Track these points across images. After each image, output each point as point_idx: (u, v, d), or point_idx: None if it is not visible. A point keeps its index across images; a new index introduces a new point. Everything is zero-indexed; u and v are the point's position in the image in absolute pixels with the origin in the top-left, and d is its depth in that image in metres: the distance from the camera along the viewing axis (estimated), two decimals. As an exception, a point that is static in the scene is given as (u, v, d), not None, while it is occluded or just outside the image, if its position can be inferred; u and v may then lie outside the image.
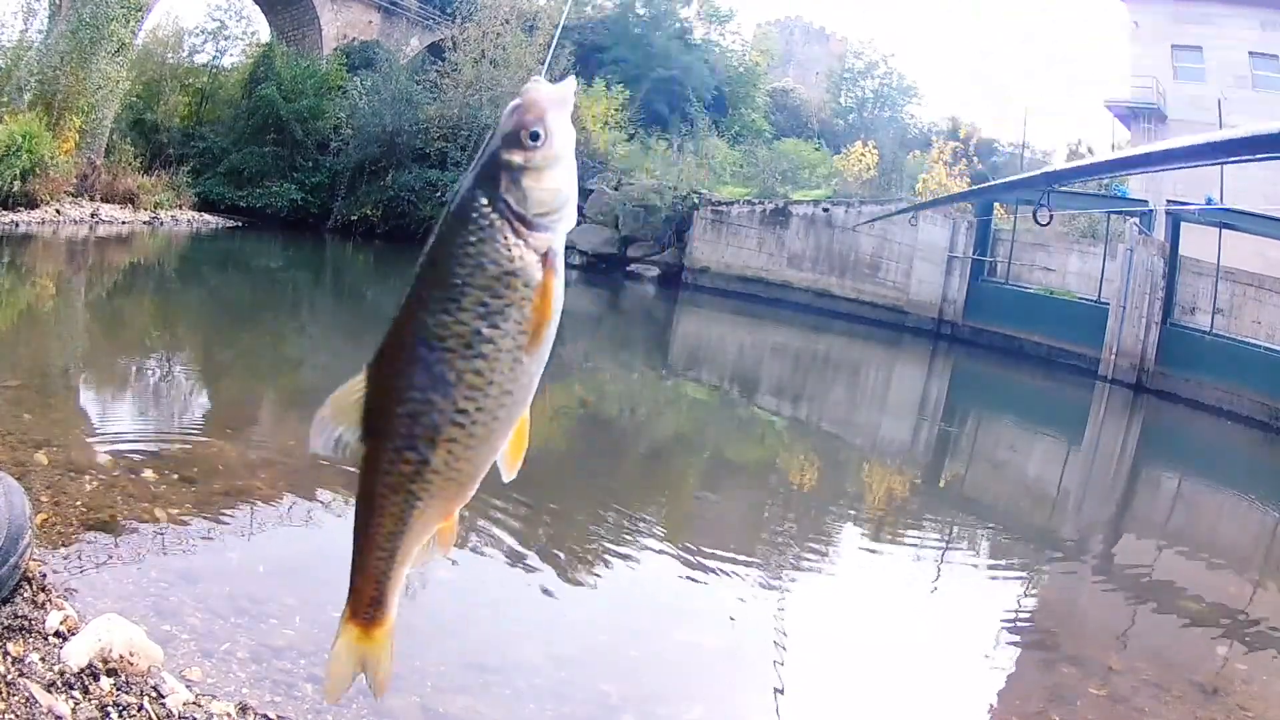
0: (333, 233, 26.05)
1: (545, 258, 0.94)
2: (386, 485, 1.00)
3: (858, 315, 23.06)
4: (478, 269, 0.92)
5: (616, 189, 26.76)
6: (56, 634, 2.89)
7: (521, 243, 0.93)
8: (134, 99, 25.72)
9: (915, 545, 6.88)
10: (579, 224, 27.10)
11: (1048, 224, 4.37)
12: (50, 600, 3.17)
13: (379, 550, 1.04)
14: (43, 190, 18.55)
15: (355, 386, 0.98)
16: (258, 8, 30.78)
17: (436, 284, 0.93)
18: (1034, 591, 6.38)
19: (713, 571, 5.40)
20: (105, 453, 5.36)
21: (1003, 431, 13.64)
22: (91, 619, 2.98)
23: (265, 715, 2.97)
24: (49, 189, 18.81)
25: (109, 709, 2.56)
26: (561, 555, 5.31)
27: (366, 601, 1.07)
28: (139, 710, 2.62)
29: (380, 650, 1.10)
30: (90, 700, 2.57)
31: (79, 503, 4.42)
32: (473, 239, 0.93)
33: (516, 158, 0.93)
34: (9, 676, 2.51)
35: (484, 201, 0.93)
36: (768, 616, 4.94)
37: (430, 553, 1.08)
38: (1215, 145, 2.99)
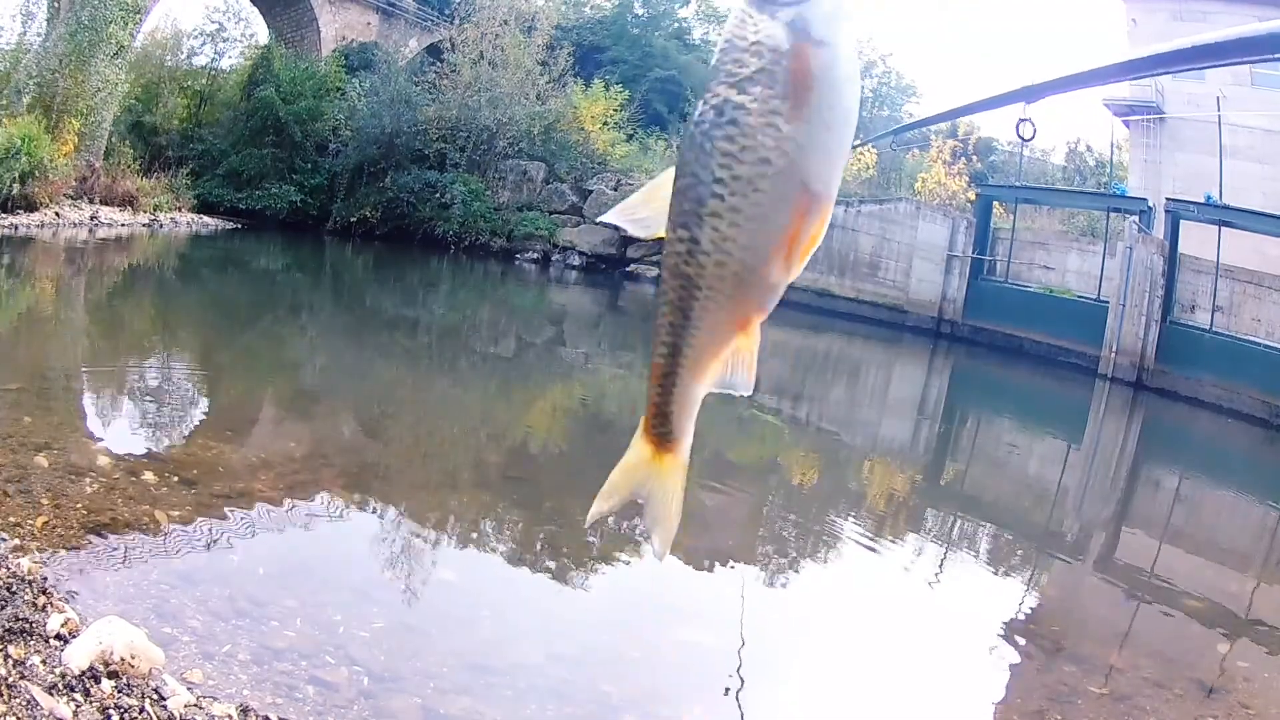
0: (332, 234, 26.04)
1: (794, 28, 0.95)
2: (667, 269, 1.00)
3: (857, 314, 23.05)
4: (727, 47, 0.97)
5: (616, 189, 26.76)
6: (58, 636, 2.89)
7: (765, 17, 0.96)
8: (133, 101, 25.69)
9: (916, 544, 6.88)
10: (578, 224, 27.21)
11: (1031, 138, 4.37)
12: (51, 603, 3.17)
13: (663, 346, 1.01)
14: (42, 193, 18.54)
15: (668, 176, 1.01)
16: (256, 10, 30.78)
17: (708, 74, 0.99)
18: (1035, 590, 6.38)
19: (713, 571, 5.41)
20: (105, 455, 5.36)
21: (1003, 430, 13.64)
22: (92, 621, 2.98)
23: (266, 717, 2.97)
24: (48, 192, 18.80)
25: (110, 711, 2.56)
26: (562, 556, 5.32)
27: (653, 411, 1.04)
28: (140, 712, 2.62)
29: (665, 482, 1.05)
30: (91, 703, 2.57)
31: (79, 505, 4.42)
32: (729, 28, 0.98)
33: None
34: (10, 679, 2.51)
35: (743, 2, 0.99)
36: (768, 616, 4.94)
37: (731, 376, 1.03)
38: (1199, 49, 2.95)
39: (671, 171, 1.01)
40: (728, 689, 3.96)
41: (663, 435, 1.04)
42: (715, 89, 0.96)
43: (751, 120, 0.94)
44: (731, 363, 1.03)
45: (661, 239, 1.01)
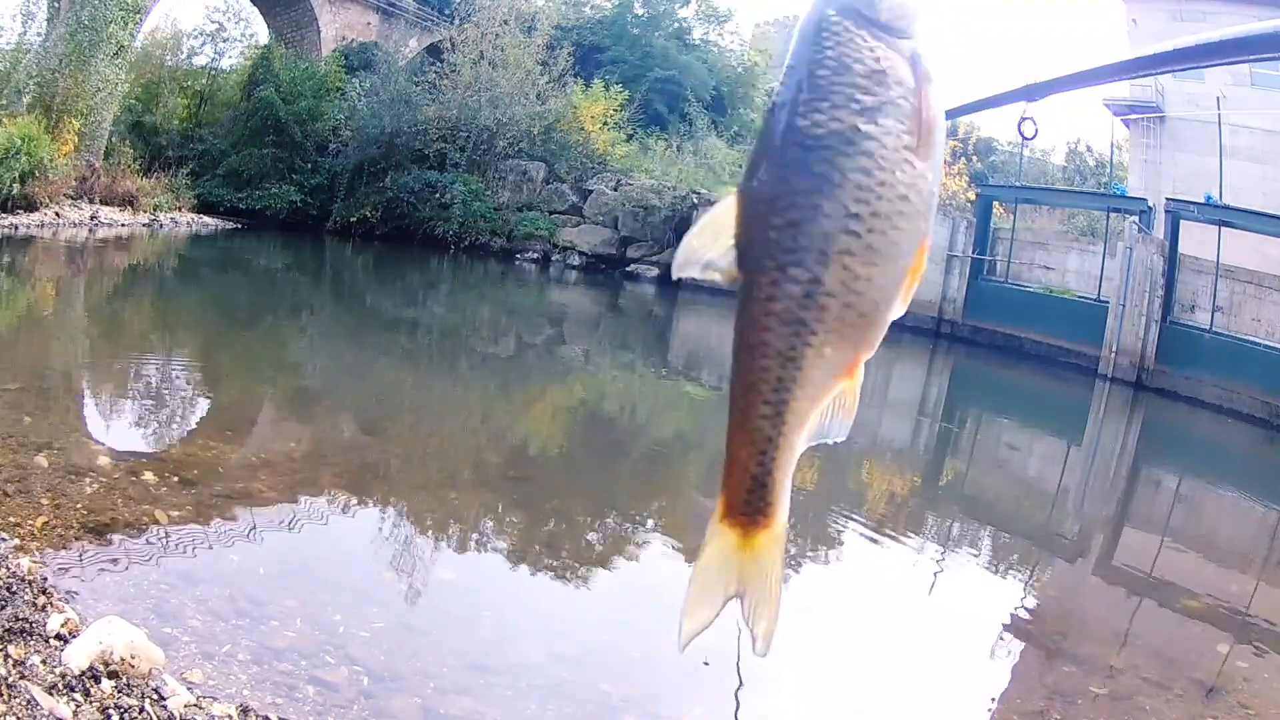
0: (332, 234, 26.05)
1: (914, 63, 0.88)
2: (773, 315, 0.86)
3: (857, 314, 23.04)
4: (843, 69, 0.86)
5: (616, 189, 26.75)
6: (58, 636, 2.89)
7: (881, 45, 0.87)
8: (133, 101, 25.69)
9: (916, 544, 6.88)
10: (578, 224, 27.20)
11: (1033, 137, 4.35)
12: (51, 603, 3.17)
13: (765, 406, 0.86)
14: (42, 193, 18.55)
15: (729, 206, 0.88)
16: (256, 10, 30.78)
17: (802, 89, 0.86)
18: (1035, 590, 6.38)
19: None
20: (105, 455, 5.36)
21: (1003, 430, 13.64)
22: (92, 621, 2.98)
23: (266, 717, 2.97)
24: (48, 192, 18.82)
25: (110, 711, 2.56)
26: (562, 555, 5.32)
27: (747, 484, 0.88)
28: (140, 712, 2.62)
29: (765, 567, 0.89)
30: (91, 702, 2.57)
31: (79, 505, 4.42)
32: (830, 44, 0.87)
33: None
34: (10, 679, 2.51)
35: (833, 11, 0.88)
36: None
37: (829, 425, 0.90)
38: (1206, 47, 2.94)
39: (731, 203, 0.88)
40: (728, 689, 3.96)
41: (759, 510, 0.89)
42: (832, 111, 0.85)
43: (889, 155, 0.85)
44: (830, 409, 0.90)
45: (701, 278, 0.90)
